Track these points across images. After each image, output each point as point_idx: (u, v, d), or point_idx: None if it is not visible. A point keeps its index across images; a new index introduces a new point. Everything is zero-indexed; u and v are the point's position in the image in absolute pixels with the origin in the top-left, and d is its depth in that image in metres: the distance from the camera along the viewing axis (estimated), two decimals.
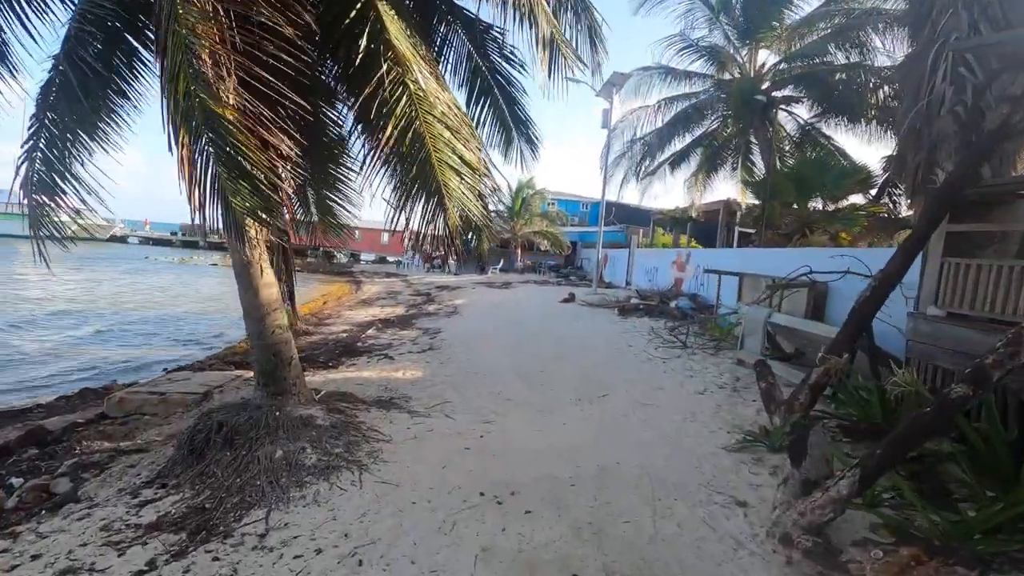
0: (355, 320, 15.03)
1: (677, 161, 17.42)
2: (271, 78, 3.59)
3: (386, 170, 4.56)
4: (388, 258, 51.72)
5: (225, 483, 3.58)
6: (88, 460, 4.38)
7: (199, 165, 3.25)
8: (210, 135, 3.17)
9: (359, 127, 5.31)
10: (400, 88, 4.16)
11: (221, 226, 3.46)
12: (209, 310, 17.45)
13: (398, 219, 4.52)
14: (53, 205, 4.16)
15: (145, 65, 4.78)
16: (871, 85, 14.25)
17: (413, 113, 4.17)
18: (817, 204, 13.12)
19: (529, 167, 7.36)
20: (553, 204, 35.07)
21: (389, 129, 4.13)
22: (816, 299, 8.03)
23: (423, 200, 4.38)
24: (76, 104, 4.12)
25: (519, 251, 32.70)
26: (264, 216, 3.40)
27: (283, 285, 5.22)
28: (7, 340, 11.22)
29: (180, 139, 3.18)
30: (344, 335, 12.43)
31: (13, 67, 4.34)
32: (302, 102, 3.72)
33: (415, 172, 4.29)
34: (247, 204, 3.27)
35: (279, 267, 4.95)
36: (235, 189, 3.20)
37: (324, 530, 3.23)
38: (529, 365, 7.85)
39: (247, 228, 3.34)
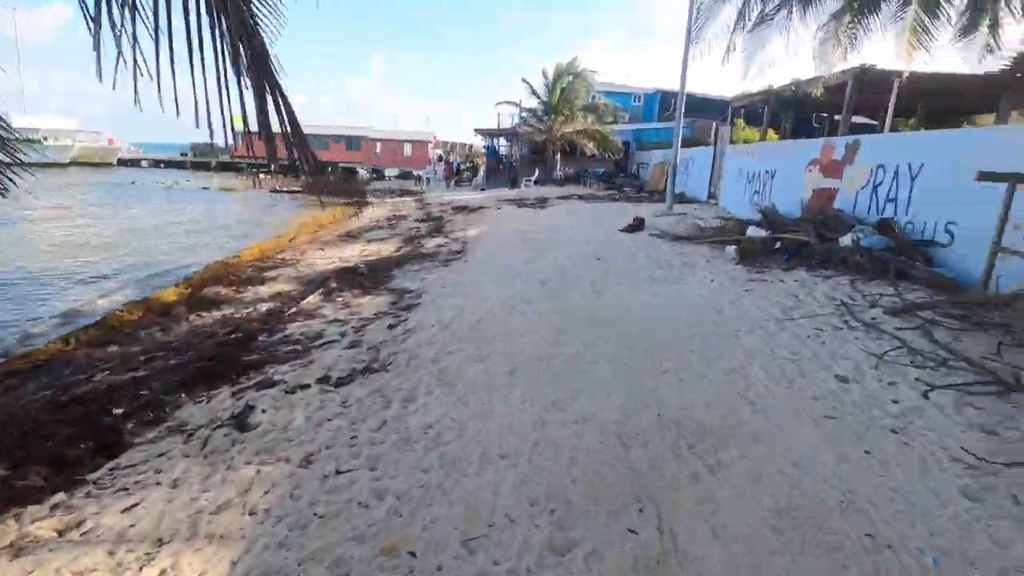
0: (314, 269, 9.98)
1: None
2: None
3: None
4: (414, 172, 46.16)
5: None
6: None
7: None
8: None
9: None
10: None
11: None
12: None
13: None
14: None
15: None
16: None
17: None
18: None
19: None
20: (599, 96, 27.96)
21: None
22: None
23: None
24: None
25: (558, 157, 26.39)
26: None
27: None
28: None
29: None
30: (268, 305, 7.43)
31: None
32: None
33: None
34: None
35: None
36: None
37: None
38: (622, 492, 2.58)
39: None
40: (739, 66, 12.03)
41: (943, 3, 10.60)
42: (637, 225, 10.89)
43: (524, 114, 27.49)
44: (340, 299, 7.41)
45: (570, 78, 24.96)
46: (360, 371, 4.47)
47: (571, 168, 26.66)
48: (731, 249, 7.52)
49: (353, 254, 11.45)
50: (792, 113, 19.27)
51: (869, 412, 3.15)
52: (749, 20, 10.68)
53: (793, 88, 14.35)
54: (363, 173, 48.03)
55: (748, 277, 6.40)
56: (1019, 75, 12.27)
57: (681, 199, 16.38)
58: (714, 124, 23.47)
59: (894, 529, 2.20)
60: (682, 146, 17.13)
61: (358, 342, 5.29)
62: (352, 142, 53.79)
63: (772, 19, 11.20)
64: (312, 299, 7.45)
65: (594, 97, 26.88)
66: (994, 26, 10.30)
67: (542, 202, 18.08)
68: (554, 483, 2.64)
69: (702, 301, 5.56)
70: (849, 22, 11.31)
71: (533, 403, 3.46)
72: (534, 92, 25.95)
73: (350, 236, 14.37)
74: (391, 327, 5.67)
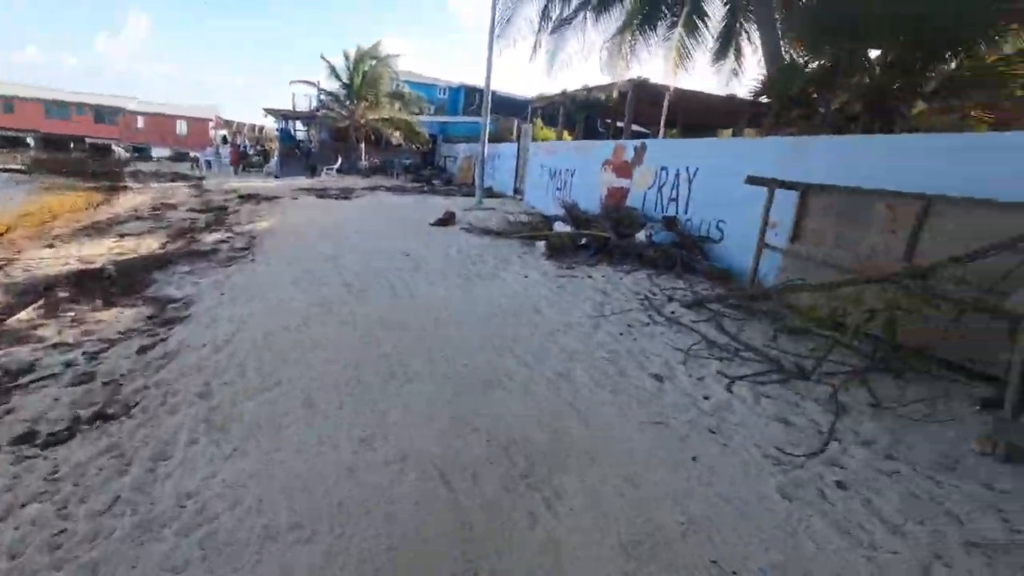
0: (35, 273, 7.56)
1: (605, 2, 11.49)
2: None
3: None
4: (192, 153, 39.52)
5: None
6: None
7: None
8: None
9: None
10: None
11: None
12: None
13: None
14: None
15: None
16: None
17: None
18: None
19: None
20: (403, 85, 27.13)
21: None
22: None
23: None
24: None
25: (362, 146, 24.95)
26: None
27: None
28: None
29: None
30: None
31: None
32: None
33: None
34: None
35: None
36: None
37: None
38: None
39: None
40: (544, 63, 12.50)
41: (700, 28, 12.27)
42: (448, 219, 10.57)
43: (324, 96, 25.37)
44: (71, 313, 5.63)
45: (373, 62, 23.69)
46: (88, 419, 3.26)
47: (377, 158, 25.42)
48: (541, 245, 7.60)
49: (99, 252, 9.04)
50: (584, 116, 20.93)
51: (687, 413, 3.19)
52: (551, 21, 11.05)
53: (586, 92, 15.45)
54: (121, 152, 39.85)
55: (559, 273, 6.47)
56: (755, 100, 14.93)
57: (490, 193, 16.59)
58: (516, 122, 24.46)
59: (734, 548, 2.11)
60: (488, 141, 17.36)
61: (90, 375, 3.94)
62: (103, 113, 44.20)
63: (571, 22, 11.81)
64: (25, 315, 5.53)
65: (398, 85, 25.98)
66: (738, 54, 12.27)
67: (346, 193, 16.75)
68: (365, 558, 2.04)
69: (520, 300, 5.38)
70: (630, 37, 12.44)
71: (336, 444, 2.79)
72: (335, 73, 24.07)
73: (97, 229, 11.44)
74: (144, 350, 4.37)
